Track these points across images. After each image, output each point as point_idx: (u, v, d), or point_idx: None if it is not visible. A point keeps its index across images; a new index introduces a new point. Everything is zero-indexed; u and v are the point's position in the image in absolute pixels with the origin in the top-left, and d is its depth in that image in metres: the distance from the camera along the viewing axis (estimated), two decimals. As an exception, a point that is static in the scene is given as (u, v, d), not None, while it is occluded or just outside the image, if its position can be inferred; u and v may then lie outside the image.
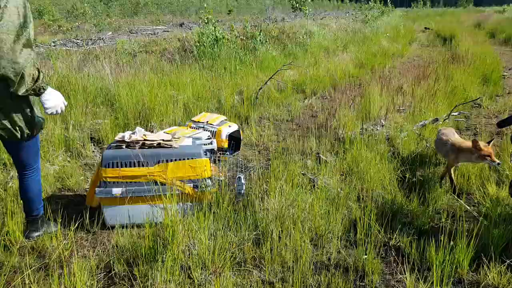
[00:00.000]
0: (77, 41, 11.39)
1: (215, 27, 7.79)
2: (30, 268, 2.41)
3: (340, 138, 4.40)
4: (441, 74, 6.74)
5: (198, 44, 7.78)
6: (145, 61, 7.17)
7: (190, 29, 14.90)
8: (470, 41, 11.67)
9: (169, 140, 3.42)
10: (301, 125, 5.53)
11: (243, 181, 3.38)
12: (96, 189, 3.10)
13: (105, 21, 16.28)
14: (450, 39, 13.62)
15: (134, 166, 3.15)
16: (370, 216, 2.82)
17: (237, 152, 4.79)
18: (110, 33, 13.37)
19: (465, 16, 26.90)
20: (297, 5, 11.40)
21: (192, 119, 4.91)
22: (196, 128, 4.67)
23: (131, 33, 13.48)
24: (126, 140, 3.32)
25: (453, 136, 3.60)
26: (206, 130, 4.60)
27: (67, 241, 2.76)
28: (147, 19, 24.80)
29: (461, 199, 3.28)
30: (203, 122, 4.76)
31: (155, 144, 3.33)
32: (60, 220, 2.81)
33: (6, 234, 2.80)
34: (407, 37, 15.51)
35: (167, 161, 3.19)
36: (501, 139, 4.47)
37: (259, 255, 2.65)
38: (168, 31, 14.78)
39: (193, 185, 3.23)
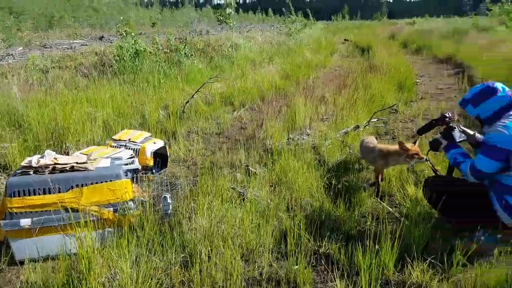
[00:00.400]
0: (-19, 57, 10.30)
1: (135, 40, 7.48)
2: None
3: (268, 149, 4.39)
4: (360, 83, 7.11)
5: (118, 57, 7.41)
6: (58, 77, 6.64)
7: (110, 42, 14.26)
8: (386, 51, 12.53)
9: (84, 163, 3.15)
10: (230, 137, 5.46)
11: (169, 200, 3.21)
12: (1, 221, 2.76)
13: (15, 35, 15.00)
14: (367, 50, 14.52)
15: (44, 193, 2.85)
16: (300, 226, 2.80)
17: (164, 170, 4.58)
18: (21, 48, 12.31)
19: (380, 28, 28.96)
20: (222, 18, 11.44)
21: (113, 137, 4.63)
22: (117, 147, 4.39)
23: (45, 47, 12.52)
24: (34, 165, 3.01)
25: (377, 143, 3.77)
26: (129, 148, 4.34)
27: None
28: (64, 32, 23.34)
29: (383, 202, 3.40)
30: (125, 140, 4.50)
31: (67, 168, 3.05)
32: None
33: None
34: (329, 49, 16.28)
35: (81, 185, 2.94)
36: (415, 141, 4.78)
37: (188, 278, 2.50)
38: (86, 45, 13.98)
39: (113, 209, 3.00)
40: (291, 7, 19.29)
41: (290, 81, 9.04)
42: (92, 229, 2.69)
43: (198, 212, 2.92)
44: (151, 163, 4.37)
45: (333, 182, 3.64)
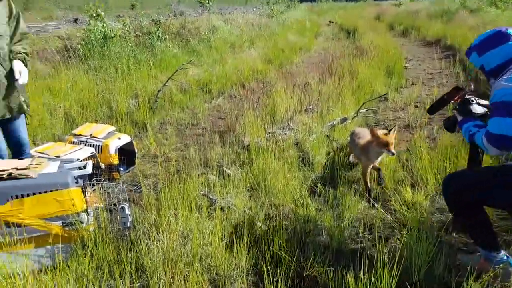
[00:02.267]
0: None
1: (104, 23, 6.83)
2: None
3: (246, 146, 3.92)
4: (347, 68, 6.64)
5: (84, 42, 6.77)
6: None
7: (85, 25, 13.46)
8: (372, 33, 12.05)
9: (25, 169, 2.64)
10: (207, 129, 4.99)
11: (127, 211, 2.73)
12: None
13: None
14: (353, 32, 13.97)
15: None
16: (280, 243, 2.37)
17: (132, 168, 4.10)
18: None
19: (365, 10, 28.26)
20: (200, -1, 10.79)
21: (73, 132, 4.13)
22: (78, 143, 3.91)
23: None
24: (-37, 174, 2.51)
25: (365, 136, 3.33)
26: (90, 145, 3.86)
27: None
28: (40, 15, 22.22)
29: (376, 206, 2.98)
30: (85, 136, 4.01)
31: (5, 176, 2.55)
32: None
33: None
34: (313, 31, 15.71)
35: (22, 196, 2.45)
36: (411, 133, 4.38)
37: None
38: (59, 28, 13.16)
39: (62, 223, 2.54)
40: (275, -12, 18.58)
41: (273, 66, 8.53)
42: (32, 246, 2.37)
43: (160, 227, 2.46)
44: (115, 161, 3.91)
45: (318, 185, 3.20)
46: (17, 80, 2.78)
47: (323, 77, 5.89)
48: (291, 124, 4.15)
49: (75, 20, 16.47)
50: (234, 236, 2.48)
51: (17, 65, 2.81)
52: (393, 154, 2.94)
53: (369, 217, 2.88)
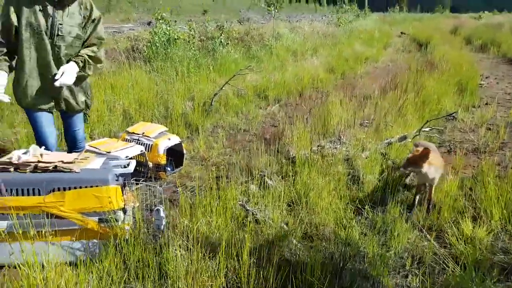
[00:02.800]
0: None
1: (168, 26, 7.05)
2: None
3: (291, 157, 3.73)
4: (414, 82, 6.19)
5: (149, 44, 7.03)
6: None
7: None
8: (446, 47, 11.27)
9: (70, 162, 2.71)
10: (258, 135, 4.89)
11: (162, 214, 2.69)
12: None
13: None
14: (426, 45, 13.21)
15: (23, 194, 2.45)
16: (313, 267, 2.17)
17: (179, 169, 4.11)
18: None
19: (442, 22, 26.78)
20: (266, 6, 10.80)
21: (127, 129, 4.23)
22: (130, 141, 4.00)
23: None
24: (14, 162, 2.63)
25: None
26: (141, 144, 3.93)
27: None
28: (119, 17, 23.89)
29: (429, 237, 2.66)
30: (138, 134, 4.09)
31: (50, 168, 2.63)
32: None
33: None
34: (382, 42, 15.09)
35: (64, 189, 2.51)
36: (479, 158, 3.92)
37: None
38: (133, 30, 13.95)
39: (98, 218, 2.56)
40: (345, -4, 18.17)
41: (335, 76, 8.26)
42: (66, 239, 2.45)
43: (191, 233, 2.38)
44: (163, 161, 3.93)
45: (366, 206, 2.93)
46: (56, 79, 2.69)
47: (385, 90, 5.52)
48: (342, 138, 3.90)
49: (149, 23, 17.36)
50: (264, 253, 2.32)
51: (65, 66, 2.73)
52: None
53: (419, 249, 2.56)
